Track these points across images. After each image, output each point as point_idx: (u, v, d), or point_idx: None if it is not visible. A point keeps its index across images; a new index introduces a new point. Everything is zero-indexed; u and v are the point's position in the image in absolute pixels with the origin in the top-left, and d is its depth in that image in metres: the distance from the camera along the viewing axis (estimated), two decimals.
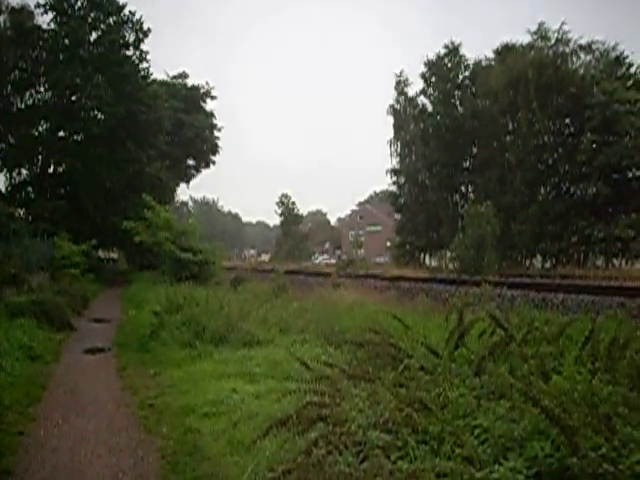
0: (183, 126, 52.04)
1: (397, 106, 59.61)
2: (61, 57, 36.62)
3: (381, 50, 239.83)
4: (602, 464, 3.48)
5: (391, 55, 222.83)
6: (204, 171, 60.95)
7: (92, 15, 37.05)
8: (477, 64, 53.32)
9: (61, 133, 38.22)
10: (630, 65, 44.62)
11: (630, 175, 42.67)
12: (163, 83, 50.04)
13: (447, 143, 52.65)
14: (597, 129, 41.56)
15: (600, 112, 41.25)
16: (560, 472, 3.61)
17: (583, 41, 46.25)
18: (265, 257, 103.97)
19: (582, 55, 46.78)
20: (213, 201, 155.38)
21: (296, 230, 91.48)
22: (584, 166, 42.80)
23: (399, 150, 59.55)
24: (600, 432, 3.83)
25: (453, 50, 54.26)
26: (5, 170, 37.60)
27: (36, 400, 8.61)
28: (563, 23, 46.84)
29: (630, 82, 43.67)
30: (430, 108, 56.39)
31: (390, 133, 60.69)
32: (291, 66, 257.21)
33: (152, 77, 41.19)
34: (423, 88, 56.68)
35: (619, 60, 44.87)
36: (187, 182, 61.02)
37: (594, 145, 41.92)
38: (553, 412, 3.79)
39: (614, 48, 45.16)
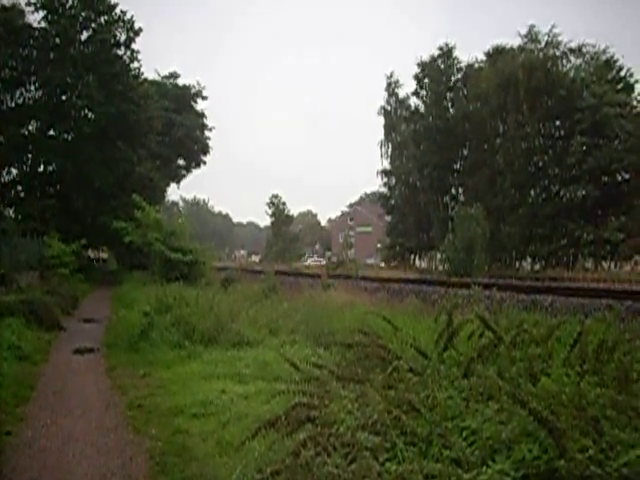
0: (174, 126, 52.06)
1: (388, 107, 59.80)
2: (52, 56, 36.44)
3: (373, 51, 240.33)
4: (590, 466, 3.48)
5: (383, 55, 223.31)
6: (194, 171, 61.26)
7: (83, 14, 36.89)
8: (469, 66, 53.50)
9: (51, 132, 37.92)
10: (620, 68, 44.95)
11: (619, 178, 43.03)
12: (154, 83, 49.91)
13: (438, 145, 52.80)
14: (587, 132, 41.84)
15: (590, 115, 41.52)
16: (548, 474, 3.62)
17: (573, 44, 46.65)
18: (255, 258, 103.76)
19: (572, 58, 47.22)
20: (203, 201, 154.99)
21: (286, 231, 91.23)
22: (574, 169, 43.11)
23: (390, 151, 59.70)
24: (588, 434, 3.84)
25: (447, 52, 54.44)
26: None
27: (24, 400, 8.56)
28: (553, 26, 47.15)
29: (620, 85, 43.97)
30: (422, 109, 56.55)
31: (381, 134, 60.97)
32: (282, 66, 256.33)
33: (143, 77, 41.16)
34: (415, 89, 56.88)
35: (609, 63, 45.15)
36: (177, 182, 61.21)
37: (584, 148, 42.20)
38: (541, 414, 3.80)
39: (604, 51, 45.58)
